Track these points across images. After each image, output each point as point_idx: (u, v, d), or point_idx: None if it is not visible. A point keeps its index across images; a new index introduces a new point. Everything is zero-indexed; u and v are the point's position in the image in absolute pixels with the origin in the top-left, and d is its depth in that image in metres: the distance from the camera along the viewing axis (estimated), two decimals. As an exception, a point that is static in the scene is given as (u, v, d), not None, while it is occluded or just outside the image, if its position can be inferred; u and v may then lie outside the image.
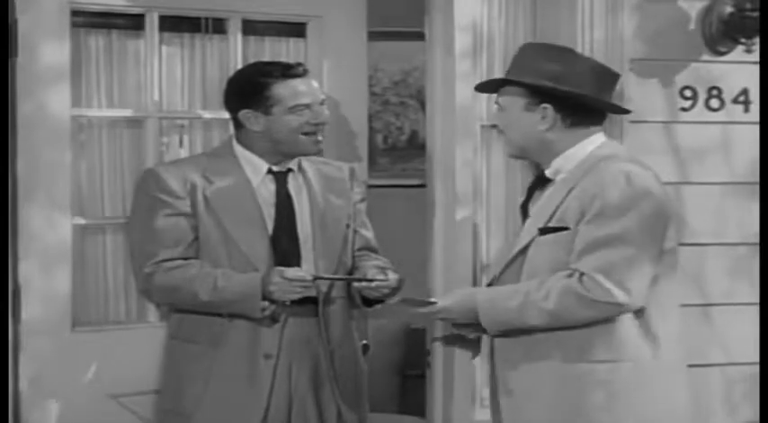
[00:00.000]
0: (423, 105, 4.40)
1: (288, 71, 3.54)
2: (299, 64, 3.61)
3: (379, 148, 6.23)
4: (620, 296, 3.07)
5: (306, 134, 3.52)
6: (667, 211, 3.16)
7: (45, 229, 3.59)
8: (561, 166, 3.24)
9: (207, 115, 3.94)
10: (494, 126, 3.66)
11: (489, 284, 3.36)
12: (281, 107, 3.49)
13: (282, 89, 3.50)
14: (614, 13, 3.92)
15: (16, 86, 3.55)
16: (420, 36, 4.14)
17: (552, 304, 3.10)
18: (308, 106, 3.51)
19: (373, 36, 6.19)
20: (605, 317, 3.11)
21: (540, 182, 3.32)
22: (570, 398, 3.14)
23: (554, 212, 3.18)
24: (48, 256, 3.60)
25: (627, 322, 3.13)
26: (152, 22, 3.79)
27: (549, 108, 3.23)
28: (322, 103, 3.54)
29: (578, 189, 3.16)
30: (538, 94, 3.23)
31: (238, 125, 3.57)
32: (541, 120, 3.24)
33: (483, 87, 3.46)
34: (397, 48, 6.12)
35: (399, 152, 6.22)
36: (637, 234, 3.08)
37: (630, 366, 3.13)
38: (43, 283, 3.60)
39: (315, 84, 3.56)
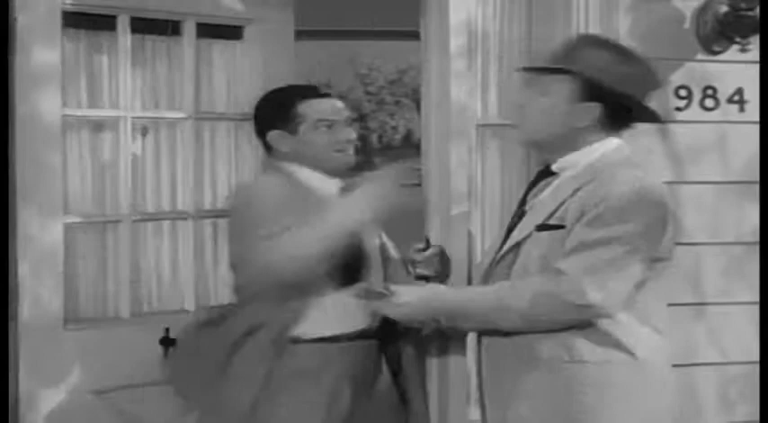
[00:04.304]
0: (418, 104, 4.40)
1: (311, 91, 3.63)
2: (318, 86, 3.71)
3: (374, 148, 6.24)
4: (595, 299, 3.00)
5: (337, 150, 3.55)
6: (668, 223, 3.11)
7: (36, 228, 3.60)
8: (571, 164, 3.17)
9: (176, 116, 3.99)
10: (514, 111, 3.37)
11: (484, 277, 3.30)
12: (307, 125, 3.54)
13: (307, 108, 3.55)
14: (609, 12, 3.92)
15: (15, 85, 3.56)
16: (415, 35, 4.14)
17: (525, 306, 3.05)
18: (333, 123, 3.55)
19: (369, 35, 6.22)
20: (579, 320, 3.06)
21: (543, 176, 3.26)
22: (559, 399, 3.10)
23: (555, 210, 3.13)
24: (42, 255, 3.60)
25: (615, 322, 3.08)
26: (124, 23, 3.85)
27: (597, 107, 3.15)
28: (347, 122, 3.59)
29: (585, 191, 3.10)
30: (589, 90, 3.14)
31: (268, 148, 3.61)
32: (583, 115, 3.15)
33: (530, 68, 3.30)
34: (393, 47, 6.13)
35: (394, 151, 6.23)
36: (634, 240, 3.03)
37: (618, 367, 3.09)
38: (36, 282, 3.60)
39: (339, 103, 3.61)
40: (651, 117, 3.24)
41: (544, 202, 3.19)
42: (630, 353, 3.10)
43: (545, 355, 3.11)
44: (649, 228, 3.06)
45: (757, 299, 3.95)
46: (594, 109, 3.14)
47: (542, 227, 3.14)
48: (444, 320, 3.27)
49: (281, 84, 3.71)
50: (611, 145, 3.18)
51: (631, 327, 3.11)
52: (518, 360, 3.15)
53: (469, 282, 3.88)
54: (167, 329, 3.83)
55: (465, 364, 3.92)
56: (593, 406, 3.08)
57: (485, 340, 3.24)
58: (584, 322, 3.07)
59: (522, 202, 3.30)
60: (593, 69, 3.13)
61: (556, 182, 3.20)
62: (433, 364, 3.99)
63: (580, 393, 3.09)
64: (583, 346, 3.09)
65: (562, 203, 3.13)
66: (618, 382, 3.10)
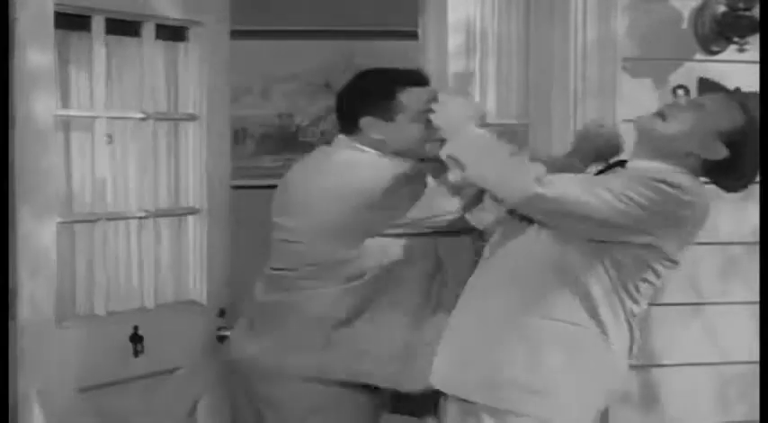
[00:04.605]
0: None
1: (413, 79, 3.54)
2: (420, 71, 3.62)
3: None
4: (544, 191, 3.12)
5: (431, 141, 3.48)
6: (686, 228, 3.25)
7: (32, 228, 3.59)
8: (640, 167, 3.28)
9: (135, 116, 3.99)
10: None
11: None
12: (405, 115, 3.49)
13: (407, 97, 3.49)
14: (607, 12, 3.92)
15: (14, 85, 3.55)
16: (414, 35, 4.15)
17: (511, 172, 3.17)
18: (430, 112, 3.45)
19: (365, 35, 6.22)
20: (526, 204, 3.18)
21: (613, 167, 3.39)
22: (521, 348, 3.20)
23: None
24: (37, 254, 3.61)
25: (600, 296, 3.21)
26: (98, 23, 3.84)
27: (724, 151, 3.24)
28: None
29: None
30: (730, 136, 3.23)
31: (354, 131, 3.53)
32: (707, 150, 3.25)
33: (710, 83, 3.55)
34: (390, 47, 6.12)
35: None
36: (647, 212, 3.15)
37: (585, 332, 3.20)
38: (31, 281, 3.60)
39: (434, 91, 3.52)
40: (734, 185, 3.38)
41: None
42: (601, 325, 3.21)
43: (516, 308, 3.21)
44: (659, 214, 3.15)
45: (755, 299, 3.96)
46: (721, 152, 3.23)
47: None
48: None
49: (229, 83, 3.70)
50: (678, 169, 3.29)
51: (609, 305, 3.23)
52: (488, 309, 3.25)
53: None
54: (136, 327, 3.87)
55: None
56: (553, 362, 3.19)
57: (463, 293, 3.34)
58: (534, 211, 3.19)
59: None
60: (757, 120, 3.26)
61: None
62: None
63: (541, 347, 3.19)
64: (556, 305, 3.20)
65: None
66: (581, 345, 3.21)
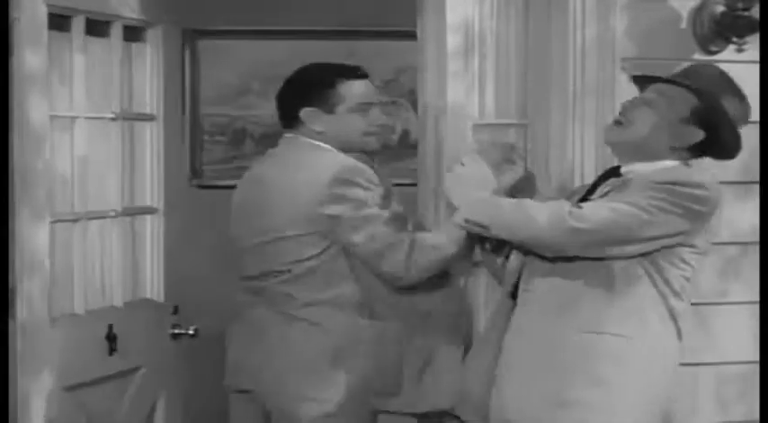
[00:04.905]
0: (414, 104, 4.40)
1: (352, 72, 3.66)
2: (361, 67, 3.71)
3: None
4: (585, 226, 3.19)
5: (370, 134, 3.63)
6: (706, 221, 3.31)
7: (28, 228, 3.60)
8: (637, 172, 3.34)
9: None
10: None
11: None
12: (344, 106, 3.60)
13: (347, 88, 3.60)
14: (606, 12, 3.91)
15: (14, 85, 3.56)
16: (412, 35, 4.14)
17: (541, 219, 3.23)
18: (369, 106, 3.61)
19: (364, 35, 6.21)
20: (565, 243, 3.22)
21: (608, 176, 3.43)
22: (580, 366, 3.25)
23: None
24: (32, 253, 3.62)
25: (645, 302, 3.26)
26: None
27: (701, 134, 3.32)
28: (381, 106, 3.66)
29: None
30: (699, 115, 3.30)
31: (294, 124, 3.63)
32: (684, 138, 3.32)
33: (654, 77, 3.48)
34: (388, 47, 6.12)
35: (391, 151, 6.22)
36: (657, 214, 3.22)
37: (635, 342, 3.26)
38: (29, 281, 3.61)
39: (373, 87, 3.66)
40: (729, 153, 3.41)
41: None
42: (649, 331, 3.28)
43: (571, 325, 3.27)
44: (679, 212, 3.23)
45: (753, 299, 3.96)
46: (698, 135, 3.31)
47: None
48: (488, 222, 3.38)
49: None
50: (674, 163, 3.36)
51: (656, 310, 3.29)
52: (544, 327, 3.31)
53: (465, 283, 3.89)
54: (111, 326, 3.89)
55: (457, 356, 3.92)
56: (610, 376, 3.24)
57: (517, 310, 3.40)
58: (565, 244, 3.23)
59: (584, 199, 3.44)
60: (714, 94, 3.31)
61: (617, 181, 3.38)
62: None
63: (596, 363, 3.24)
64: (608, 319, 3.25)
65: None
66: (632, 355, 3.26)
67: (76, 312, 3.89)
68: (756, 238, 3.97)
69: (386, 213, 3.53)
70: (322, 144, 3.62)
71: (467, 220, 3.40)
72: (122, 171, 4.09)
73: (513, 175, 3.61)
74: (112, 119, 4.00)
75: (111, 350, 3.92)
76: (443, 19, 3.90)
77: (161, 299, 4.23)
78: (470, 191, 3.45)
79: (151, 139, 4.19)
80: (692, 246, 3.32)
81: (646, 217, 3.21)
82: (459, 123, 3.90)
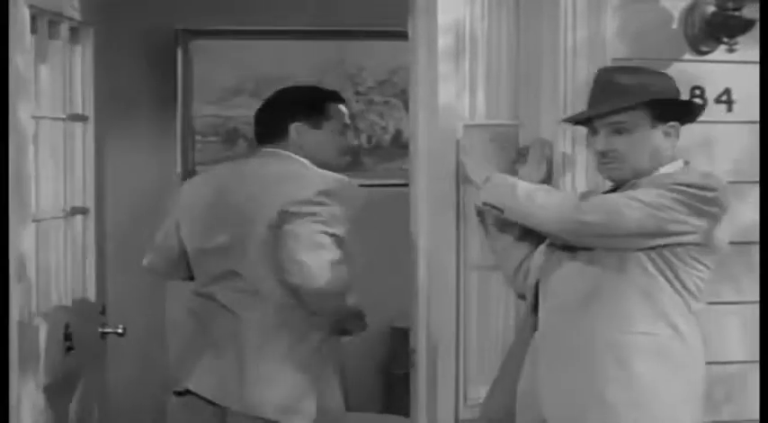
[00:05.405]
0: (407, 104, 4.41)
1: (335, 95, 4.02)
2: (338, 91, 4.08)
3: (363, 148, 6.23)
4: (592, 219, 3.26)
5: (344, 154, 3.97)
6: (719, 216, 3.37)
7: (18, 230, 3.60)
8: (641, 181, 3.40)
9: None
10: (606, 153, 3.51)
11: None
12: (331, 125, 3.92)
13: (334, 109, 3.94)
14: (597, 13, 3.91)
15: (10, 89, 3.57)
16: (404, 35, 4.15)
17: (546, 198, 3.35)
18: (347, 128, 3.95)
19: (358, 35, 6.21)
20: (575, 233, 3.30)
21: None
22: (610, 370, 3.29)
23: None
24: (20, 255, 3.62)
25: (666, 298, 3.31)
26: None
27: (676, 125, 3.41)
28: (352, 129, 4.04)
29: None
30: (663, 112, 3.38)
31: (278, 140, 3.87)
32: (666, 138, 3.40)
33: (576, 118, 3.58)
34: (382, 47, 6.12)
35: (383, 151, 6.22)
36: (660, 211, 3.27)
37: (665, 339, 3.31)
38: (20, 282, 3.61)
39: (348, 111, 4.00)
40: (695, 112, 3.55)
41: None
42: (677, 329, 3.32)
43: (600, 327, 3.32)
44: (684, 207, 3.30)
45: (743, 299, 3.98)
46: (676, 129, 3.43)
47: None
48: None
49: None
50: (678, 165, 3.45)
51: (678, 308, 3.34)
52: (571, 331, 3.36)
53: (457, 281, 3.89)
54: (67, 325, 3.92)
55: (453, 363, 3.92)
56: (644, 375, 3.28)
57: (542, 315, 3.46)
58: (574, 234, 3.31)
59: None
60: (657, 89, 3.43)
61: None
62: (421, 364, 3.99)
63: (630, 363, 3.28)
64: (636, 318, 3.30)
65: None
66: (665, 353, 3.30)
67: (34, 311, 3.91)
68: (745, 238, 3.98)
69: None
70: (302, 159, 3.85)
71: (484, 203, 3.52)
72: (57, 172, 4.09)
73: (535, 174, 3.70)
74: (63, 119, 4.03)
75: (69, 349, 3.94)
76: (434, 20, 3.90)
77: (92, 298, 4.26)
78: (489, 171, 3.58)
79: (84, 140, 4.19)
80: (705, 245, 3.37)
81: (660, 214, 3.27)
82: (450, 124, 3.91)
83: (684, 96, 3.99)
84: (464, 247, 3.93)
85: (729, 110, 4.10)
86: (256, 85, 5.96)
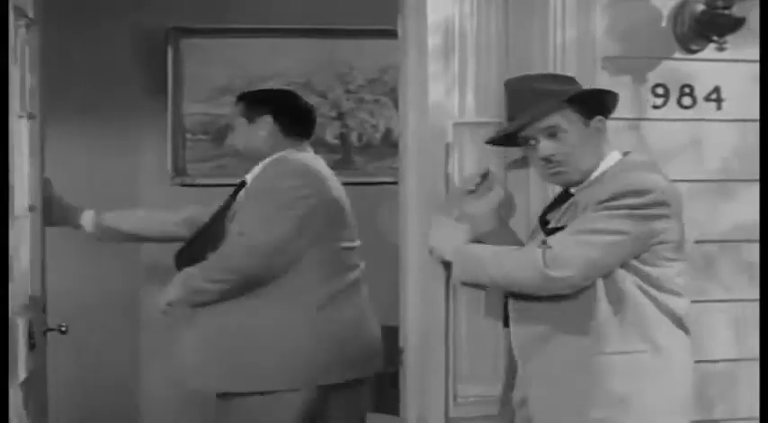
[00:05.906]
0: (397, 103, 4.41)
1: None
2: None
3: (353, 146, 6.23)
4: (563, 273, 3.21)
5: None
6: (671, 222, 3.32)
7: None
8: (587, 183, 3.39)
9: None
10: (547, 159, 3.49)
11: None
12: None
13: None
14: (586, 11, 3.92)
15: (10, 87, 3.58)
16: (394, 34, 4.14)
17: (512, 263, 3.30)
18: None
19: (348, 34, 6.20)
20: (547, 290, 3.26)
21: (564, 198, 3.47)
22: (584, 385, 3.28)
23: (562, 216, 3.37)
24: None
25: (643, 312, 3.28)
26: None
27: (603, 119, 3.41)
28: None
29: (592, 189, 3.34)
30: (588, 109, 3.38)
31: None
32: (598, 133, 3.40)
33: (499, 139, 3.60)
34: (372, 46, 6.12)
35: (374, 150, 6.22)
36: (629, 231, 3.25)
37: (643, 356, 3.28)
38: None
39: None
40: (613, 103, 3.51)
41: (558, 215, 3.41)
42: (654, 342, 3.28)
43: (573, 346, 3.28)
44: (646, 222, 3.25)
45: (731, 297, 3.99)
46: (603, 122, 3.42)
47: (550, 231, 3.36)
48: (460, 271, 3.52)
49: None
50: (616, 157, 3.42)
51: (655, 318, 3.30)
52: (546, 350, 3.32)
53: (447, 280, 3.89)
54: (30, 323, 3.92)
55: (443, 361, 3.92)
56: (619, 393, 3.25)
57: (513, 329, 3.42)
58: (553, 291, 3.27)
59: (543, 221, 3.48)
60: (574, 89, 3.44)
61: (572, 199, 3.42)
62: (411, 363, 3.99)
63: (606, 381, 3.26)
64: (610, 337, 3.26)
65: (569, 207, 3.37)
66: (643, 370, 3.27)
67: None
68: (734, 236, 3.99)
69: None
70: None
71: (463, 283, 3.57)
72: (22, 169, 4.09)
73: (495, 197, 3.66)
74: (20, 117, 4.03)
75: (32, 346, 3.95)
76: (424, 19, 3.90)
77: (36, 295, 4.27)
78: (456, 244, 3.58)
79: (31, 138, 4.18)
80: (670, 242, 3.34)
81: (615, 239, 3.24)
82: (440, 122, 3.91)
83: (673, 95, 4.01)
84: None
85: (719, 108, 4.10)
86: (247, 84, 5.94)
